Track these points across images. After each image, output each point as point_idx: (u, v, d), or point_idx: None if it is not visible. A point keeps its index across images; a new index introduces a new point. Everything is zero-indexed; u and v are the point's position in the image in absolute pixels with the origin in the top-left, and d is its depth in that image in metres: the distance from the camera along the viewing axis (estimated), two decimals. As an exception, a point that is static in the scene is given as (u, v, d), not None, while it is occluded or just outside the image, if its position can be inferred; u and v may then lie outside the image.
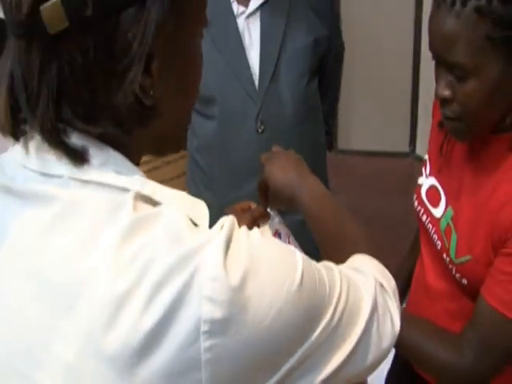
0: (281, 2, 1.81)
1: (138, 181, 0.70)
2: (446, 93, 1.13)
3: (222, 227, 0.66)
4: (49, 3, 0.61)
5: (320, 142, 2.02)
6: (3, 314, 0.68)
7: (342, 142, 5.01)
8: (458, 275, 1.24)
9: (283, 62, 1.81)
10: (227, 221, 0.68)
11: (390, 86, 5.04)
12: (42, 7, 0.62)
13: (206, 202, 2.15)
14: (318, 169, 2.02)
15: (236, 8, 1.81)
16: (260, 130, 1.82)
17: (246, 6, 1.81)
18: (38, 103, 0.66)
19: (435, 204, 1.32)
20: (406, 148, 5.07)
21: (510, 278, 1.15)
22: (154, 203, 0.70)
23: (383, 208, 4.10)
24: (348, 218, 1.08)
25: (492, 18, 1.01)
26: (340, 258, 0.90)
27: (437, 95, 1.15)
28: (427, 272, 1.39)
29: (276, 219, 1.27)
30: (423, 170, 1.39)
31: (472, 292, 1.24)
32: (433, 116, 1.41)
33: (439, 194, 1.31)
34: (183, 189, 2.54)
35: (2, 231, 0.70)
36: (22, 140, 0.71)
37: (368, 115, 5.15)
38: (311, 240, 2.01)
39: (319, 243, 1.03)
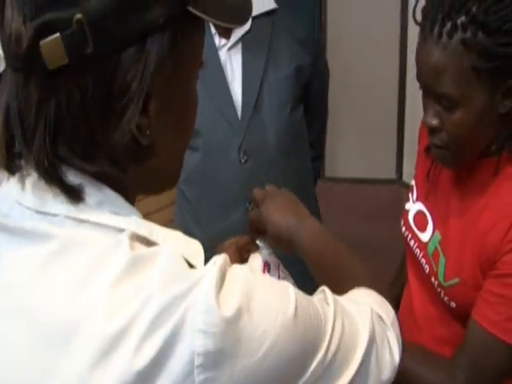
0: (262, 33, 1.83)
1: (135, 222, 0.70)
2: (434, 122, 1.15)
3: (214, 263, 0.67)
4: (49, 39, 0.61)
5: (306, 171, 2.02)
6: None
7: (329, 170, 5.03)
8: (446, 298, 1.25)
9: (265, 91, 1.82)
10: (219, 259, 0.68)
11: (376, 114, 5.08)
12: (42, 42, 0.61)
13: (192, 233, 2.16)
14: (306, 197, 2.00)
15: (218, 41, 1.83)
16: (243, 161, 1.83)
17: (228, 38, 1.82)
18: (34, 138, 0.65)
19: (422, 229, 1.34)
20: (392, 175, 5.10)
21: (500, 300, 1.16)
22: (149, 243, 0.70)
23: (371, 234, 4.11)
24: (347, 254, 1.08)
25: (477, 49, 1.05)
26: (340, 294, 0.89)
27: (425, 124, 1.17)
28: (414, 298, 1.39)
29: (265, 250, 1.27)
30: (410, 195, 1.41)
31: (460, 316, 1.25)
32: (419, 142, 1.44)
33: (426, 219, 1.33)
34: (171, 219, 2.54)
35: None
36: (17, 175, 0.70)
37: (354, 143, 5.18)
38: (297, 270, 2.01)
39: (320, 283, 1.04)
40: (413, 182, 1.42)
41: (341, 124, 4.89)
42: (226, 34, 1.82)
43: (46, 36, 0.61)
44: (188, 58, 0.71)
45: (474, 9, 1.04)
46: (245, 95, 1.81)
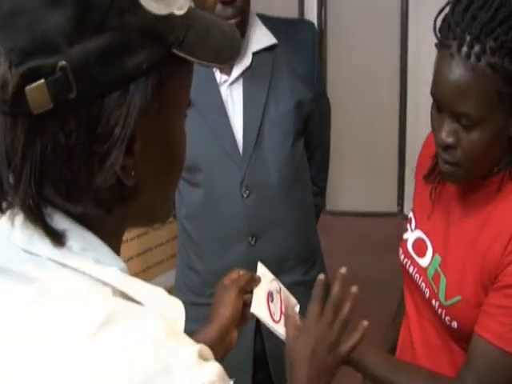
0: (263, 68, 1.84)
1: (115, 274, 0.70)
2: (450, 140, 1.18)
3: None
4: (34, 85, 0.62)
5: (308, 205, 2.02)
6: None
7: (330, 204, 5.04)
8: (447, 318, 1.27)
9: (266, 126, 1.83)
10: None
11: (377, 148, 5.10)
12: (27, 88, 0.62)
13: (194, 268, 2.14)
14: (308, 231, 2.01)
15: (219, 77, 1.84)
16: (245, 195, 1.83)
17: (229, 74, 1.84)
18: (20, 180, 0.65)
19: (422, 254, 1.36)
20: (394, 208, 5.10)
21: (503, 311, 1.18)
22: (129, 298, 0.69)
23: (372, 268, 4.11)
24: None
25: (503, 74, 1.09)
26: None
27: (440, 142, 1.19)
28: (413, 329, 1.41)
29: (265, 277, 1.29)
30: (408, 226, 1.44)
31: (462, 337, 1.26)
32: (416, 172, 1.48)
33: (425, 245, 1.36)
34: (173, 254, 2.54)
35: None
36: (8, 212, 0.71)
37: (355, 176, 5.20)
38: (300, 304, 2.00)
39: None
40: (410, 214, 1.45)
41: (341, 158, 4.91)
42: (227, 69, 1.84)
43: (31, 82, 0.62)
44: (174, 99, 0.72)
45: (503, 35, 1.07)
46: (246, 130, 1.82)
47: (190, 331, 2.30)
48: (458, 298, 1.25)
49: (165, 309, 0.72)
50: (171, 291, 2.26)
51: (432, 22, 1.18)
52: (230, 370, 2.16)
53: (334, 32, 5.14)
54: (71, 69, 0.62)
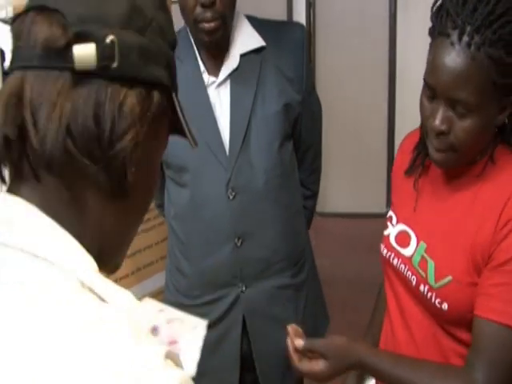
0: (250, 70, 1.84)
1: (84, 268, 0.71)
2: (444, 127, 1.22)
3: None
4: (84, 45, 0.69)
5: (296, 207, 2.02)
6: None
7: (319, 205, 5.04)
8: (438, 301, 1.29)
9: (253, 128, 1.83)
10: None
11: (365, 149, 5.11)
12: (75, 46, 0.69)
13: (181, 269, 2.15)
14: (296, 233, 2.01)
15: (207, 78, 1.84)
16: (231, 197, 1.83)
17: (216, 75, 1.84)
18: (47, 135, 0.69)
19: (405, 245, 1.40)
20: (383, 209, 5.10)
21: (504, 288, 1.20)
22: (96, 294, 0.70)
23: (362, 268, 4.10)
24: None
25: (499, 65, 1.13)
26: None
27: (433, 129, 1.23)
28: (396, 328, 1.42)
29: (149, 312, 1.26)
30: (388, 223, 1.47)
31: (451, 319, 1.29)
32: (394, 171, 1.54)
33: (409, 235, 1.39)
34: (162, 256, 2.52)
35: None
36: None
37: (344, 178, 5.20)
38: (287, 306, 2.00)
39: None
40: (390, 213, 1.49)
41: (330, 159, 4.91)
42: (214, 71, 1.84)
43: (81, 42, 0.69)
44: (164, 132, 0.81)
45: (501, 28, 1.12)
46: (233, 132, 1.82)
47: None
48: (449, 278, 1.27)
49: (130, 309, 0.73)
50: (161, 293, 2.26)
51: (420, 23, 1.21)
52: (217, 373, 2.17)
53: (323, 33, 5.14)
54: (118, 44, 0.70)
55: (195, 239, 1.92)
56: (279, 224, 1.92)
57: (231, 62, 1.83)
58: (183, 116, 0.81)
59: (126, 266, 2.44)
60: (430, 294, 1.31)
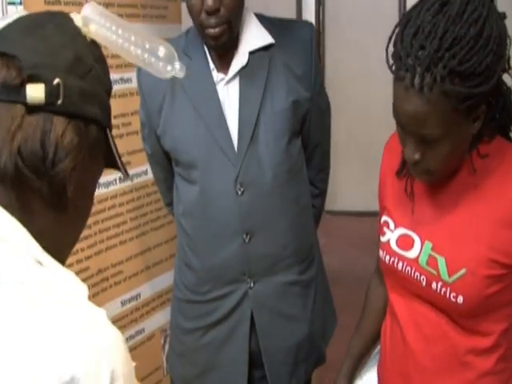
0: (259, 67, 1.85)
1: (36, 247, 0.84)
2: (416, 156, 1.26)
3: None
4: (35, 84, 0.84)
5: (304, 204, 2.02)
6: None
7: (329, 203, 5.04)
8: (452, 295, 1.31)
9: (262, 124, 1.83)
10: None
11: (375, 146, 5.09)
12: (28, 85, 0.84)
13: (190, 265, 2.16)
14: (304, 230, 2.02)
15: (216, 75, 1.85)
16: (239, 192, 1.83)
17: (226, 73, 1.85)
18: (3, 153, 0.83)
19: (408, 248, 1.40)
20: (392, 207, 5.10)
21: None
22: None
23: (371, 266, 4.11)
24: None
25: (456, 95, 1.15)
26: None
27: (408, 158, 1.28)
28: (407, 330, 1.43)
29: None
30: (385, 229, 1.47)
31: (465, 312, 1.31)
32: (382, 175, 1.56)
33: (411, 238, 1.40)
34: (172, 254, 2.53)
35: None
36: None
37: (354, 176, 5.20)
38: (295, 303, 2.01)
39: None
40: (385, 218, 1.49)
41: (340, 157, 4.91)
42: (223, 68, 1.85)
43: (34, 82, 0.84)
44: (99, 165, 0.96)
45: (450, 61, 1.14)
46: (241, 128, 1.83)
47: (186, 329, 2.31)
48: (463, 270, 1.29)
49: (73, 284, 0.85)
50: (171, 291, 2.26)
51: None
52: (225, 369, 2.17)
53: (332, 32, 5.14)
54: (63, 86, 0.85)
55: (204, 235, 1.93)
56: (287, 220, 1.92)
57: (240, 60, 1.84)
58: (116, 151, 0.96)
59: (136, 264, 2.45)
60: (443, 290, 1.32)
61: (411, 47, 1.17)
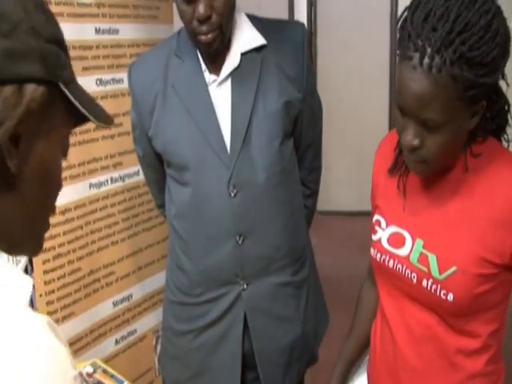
0: (251, 69, 1.85)
1: None
2: (416, 142, 1.26)
3: None
4: None
5: (297, 205, 2.02)
6: None
7: (321, 203, 5.05)
8: (443, 292, 1.31)
9: (254, 126, 1.83)
10: None
11: (367, 147, 5.11)
12: None
13: (183, 267, 2.16)
14: (296, 231, 2.02)
15: (208, 77, 1.85)
16: (232, 194, 1.83)
17: (218, 74, 1.85)
18: None
19: (400, 245, 1.41)
20: (384, 207, 5.12)
21: None
22: None
23: (363, 266, 4.11)
24: None
25: (463, 82, 1.15)
26: None
27: (406, 144, 1.27)
28: (396, 330, 1.43)
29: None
30: (377, 228, 1.48)
31: (455, 310, 1.32)
32: (375, 174, 1.57)
33: (402, 236, 1.41)
34: (164, 254, 2.54)
35: None
36: None
37: (346, 175, 5.21)
38: (288, 304, 2.01)
39: None
40: (376, 217, 1.50)
41: (332, 157, 4.91)
42: (215, 70, 1.85)
43: None
44: (54, 128, 0.84)
45: (461, 46, 1.14)
46: (234, 130, 1.83)
47: (179, 331, 2.31)
48: (454, 268, 1.30)
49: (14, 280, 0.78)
50: (162, 292, 2.26)
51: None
52: (218, 371, 2.18)
53: (324, 33, 5.15)
54: None
55: (196, 237, 1.92)
56: (280, 221, 1.92)
57: (232, 61, 1.84)
58: (82, 102, 0.84)
59: (128, 264, 2.45)
60: (434, 287, 1.32)
61: (422, 29, 1.17)
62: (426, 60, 1.16)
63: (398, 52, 1.25)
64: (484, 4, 1.17)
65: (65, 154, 0.89)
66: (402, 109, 1.26)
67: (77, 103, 0.84)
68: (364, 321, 1.65)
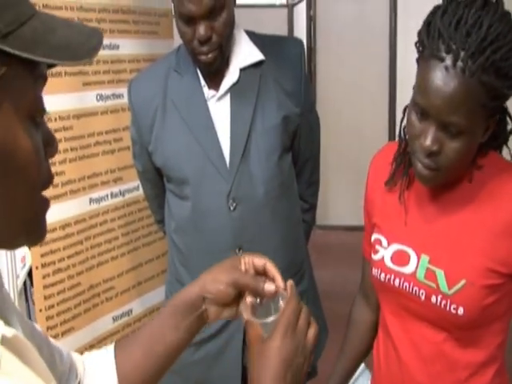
0: (250, 84, 1.87)
1: None
2: (435, 147, 1.23)
3: None
4: None
5: (295, 219, 2.03)
6: None
7: (320, 218, 5.06)
8: (453, 307, 1.30)
9: (253, 140, 1.85)
10: None
11: (366, 162, 5.11)
12: None
13: (183, 282, 2.15)
14: (295, 245, 2.02)
15: (207, 92, 1.87)
16: (232, 208, 1.85)
17: (217, 89, 1.87)
18: None
19: (404, 263, 1.39)
20: (383, 222, 5.12)
21: None
22: None
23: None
24: None
25: (490, 90, 1.16)
26: None
27: (424, 148, 1.24)
28: (401, 349, 1.42)
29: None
30: (378, 247, 1.46)
31: (465, 324, 1.31)
32: (369, 192, 1.54)
33: (406, 253, 1.39)
34: (163, 270, 2.53)
35: None
36: None
37: (345, 190, 5.21)
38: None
39: None
40: (376, 236, 1.48)
41: (331, 172, 4.92)
42: (214, 85, 1.86)
43: None
44: (9, 98, 0.68)
45: (493, 55, 1.14)
46: (233, 144, 1.84)
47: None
48: (463, 281, 1.29)
49: None
50: (162, 306, 2.26)
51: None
52: (219, 383, 2.16)
53: (324, 49, 5.18)
54: None
55: (196, 251, 1.93)
56: (279, 234, 1.93)
57: (231, 76, 1.85)
58: (37, 42, 0.68)
59: (128, 279, 2.45)
60: (443, 303, 1.31)
61: (455, 32, 1.17)
62: (460, 63, 1.15)
63: (421, 51, 1.24)
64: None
65: (35, 121, 0.73)
66: (424, 111, 1.23)
67: (26, 55, 0.67)
68: (355, 340, 1.64)
